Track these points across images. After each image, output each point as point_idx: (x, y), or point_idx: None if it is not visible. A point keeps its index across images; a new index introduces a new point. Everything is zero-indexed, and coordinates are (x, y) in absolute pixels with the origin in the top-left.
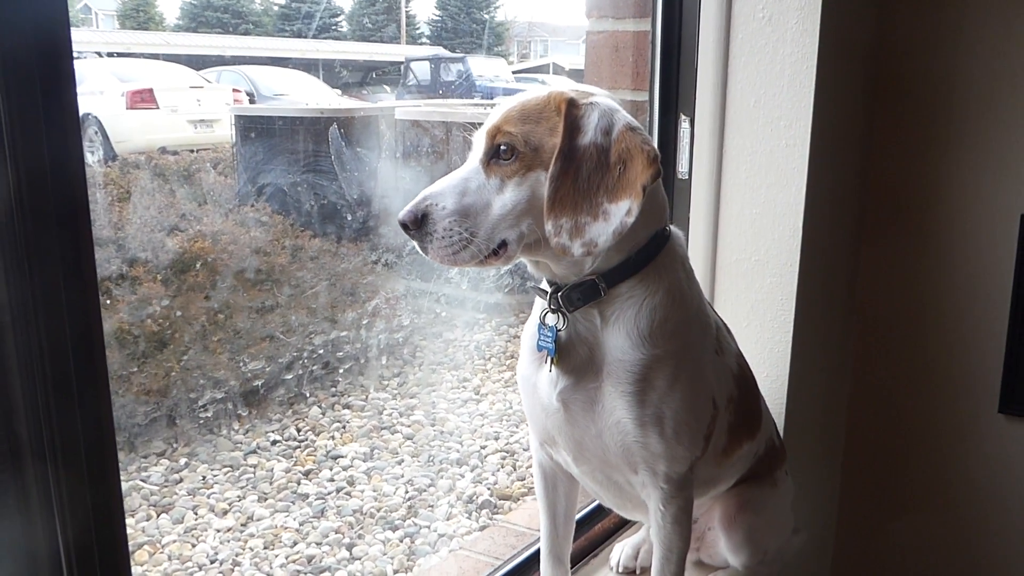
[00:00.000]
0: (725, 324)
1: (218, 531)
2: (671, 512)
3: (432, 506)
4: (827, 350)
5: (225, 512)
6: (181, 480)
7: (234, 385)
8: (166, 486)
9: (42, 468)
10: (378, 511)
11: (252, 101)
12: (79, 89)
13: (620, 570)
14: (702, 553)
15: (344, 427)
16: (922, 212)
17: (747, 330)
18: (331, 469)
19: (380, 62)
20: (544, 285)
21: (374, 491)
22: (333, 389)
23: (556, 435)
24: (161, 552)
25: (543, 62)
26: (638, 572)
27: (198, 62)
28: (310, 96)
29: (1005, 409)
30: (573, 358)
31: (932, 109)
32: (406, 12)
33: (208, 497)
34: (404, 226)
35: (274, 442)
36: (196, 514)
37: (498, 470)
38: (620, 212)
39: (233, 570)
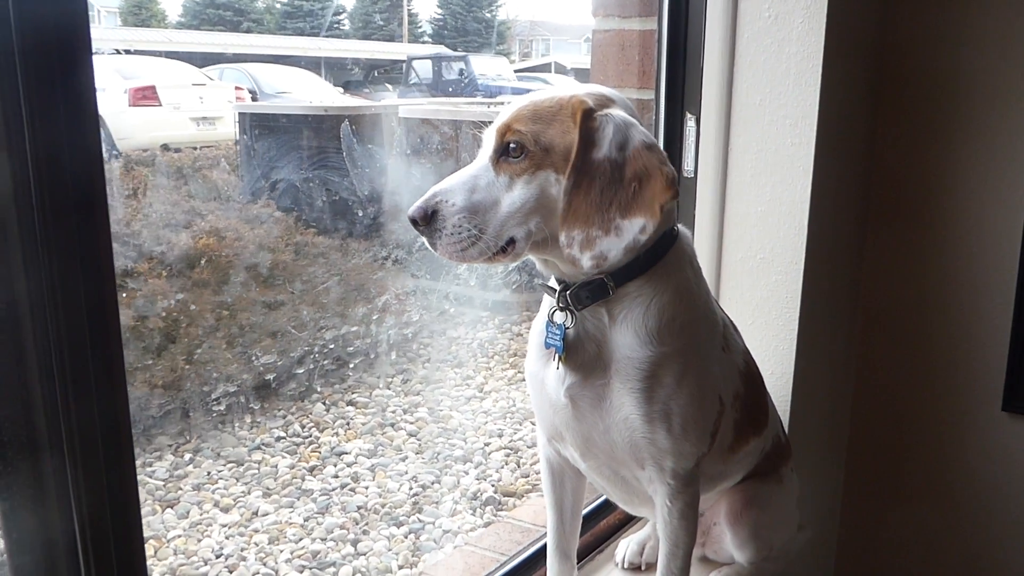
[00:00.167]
0: (732, 322)
1: (223, 526)
2: (677, 507)
3: (437, 503)
4: (832, 348)
5: (230, 508)
6: (186, 475)
7: (247, 379)
8: (171, 481)
9: (59, 458)
10: (383, 507)
11: (254, 99)
12: None
13: (625, 566)
14: (707, 549)
15: (348, 424)
16: (926, 209)
17: (752, 328)
18: (335, 465)
19: (382, 60)
20: (553, 283)
21: (379, 487)
22: (342, 385)
23: (564, 431)
24: (167, 546)
25: (545, 61)
26: (643, 568)
27: (200, 59)
28: (312, 94)
29: (1008, 407)
30: (581, 355)
31: (936, 107)
32: (408, 11)
33: (213, 492)
34: (414, 222)
35: (278, 438)
36: (201, 509)
37: (502, 467)
38: (633, 228)
39: (239, 565)
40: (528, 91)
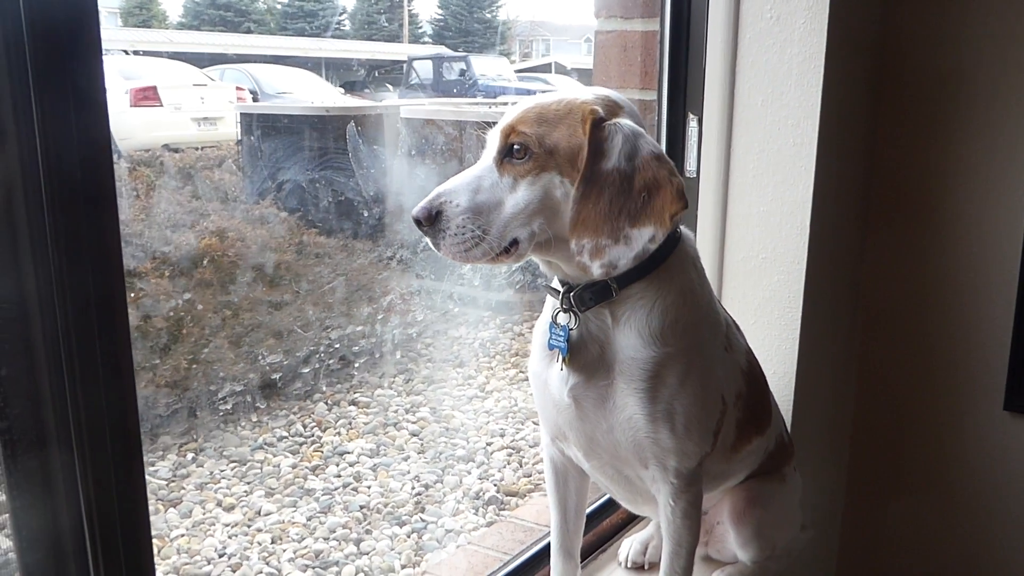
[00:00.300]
0: (735, 322)
1: (226, 525)
2: (680, 507)
3: (439, 502)
4: (833, 348)
5: (233, 507)
6: (189, 475)
7: (253, 378)
8: (174, 480)
9: (68, 453)
10: (385, 507)
11: (255, 99)
12: None
13: (629, 565)
14: (710, 548)
15: (350, 423)
16: (928, 208)
17: (755, 327)
18: (337, 465)
19: (383, 61)
20: (556, 284)
21: (381, 487)
22: (345, 384)
23: (567, 431)
24: (170, 545)
25: (545, 61)
26: (647, 567)
27: (201, 60)
28: (313, 94)
29: (1010, 406)
30: (584, 356)
31: (937, 106)
32: (408, 11)
33: (215, 492)
34: (418, 222)
35: (281, 438)
36: (204, 508)
37: (504, 467)
38: (643, 238)
39: (242, 564)
40: (529, 91)
